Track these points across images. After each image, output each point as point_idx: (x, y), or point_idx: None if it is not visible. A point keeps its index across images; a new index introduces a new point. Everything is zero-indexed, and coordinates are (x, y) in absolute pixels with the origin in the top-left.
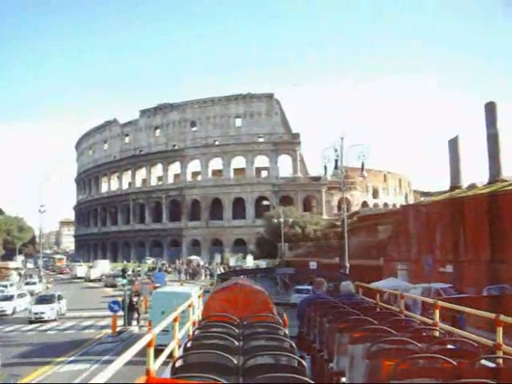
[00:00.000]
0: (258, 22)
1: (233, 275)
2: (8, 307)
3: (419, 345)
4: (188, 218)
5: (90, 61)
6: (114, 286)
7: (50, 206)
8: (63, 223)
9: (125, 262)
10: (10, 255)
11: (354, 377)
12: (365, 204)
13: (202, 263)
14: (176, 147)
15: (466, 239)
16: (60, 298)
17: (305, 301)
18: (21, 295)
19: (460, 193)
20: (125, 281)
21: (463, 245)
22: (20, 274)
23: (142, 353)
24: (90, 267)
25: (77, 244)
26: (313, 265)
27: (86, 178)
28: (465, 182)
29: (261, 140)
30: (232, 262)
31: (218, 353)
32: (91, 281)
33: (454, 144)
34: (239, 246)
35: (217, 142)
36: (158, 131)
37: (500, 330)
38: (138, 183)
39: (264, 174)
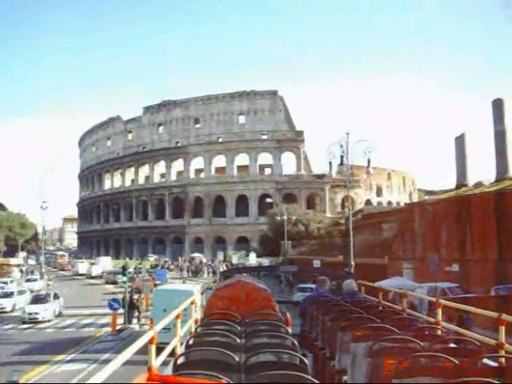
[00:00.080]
0: (260, 19)
1: (235, 273)
2: (7, 304)
3: (421, 343)
4: (191, 216)
5: (93, 58)
6: (114, 282)
7: (53, 203)
8: (66, 220)
9: (127, 259)
10: (12, 252)
11: (355, 375)
12: (368, 202)
13: (204, 261)
14: (179, 144)
15: (473, 238)
16: (56, 296)
17: (307, 299)
18: (21, 292)
19: (466, 191)
20: (125, 278)
21: (470, 243)
22: (22, 271)
23: (143, 351)
24: (92, 264)
25: (80, 241)
26: (316, 263)
27: (89, 175)
28: (469, 181)
29: (264, 137)
30: (235, 259)
31: (220, 350)
32: (92, 278)
33: (460, 142)
34: (242, 243)
35: (220, 139)
36: (161, 128)
37: (502, 329)
38: (141, 180)
39: (267, 171)
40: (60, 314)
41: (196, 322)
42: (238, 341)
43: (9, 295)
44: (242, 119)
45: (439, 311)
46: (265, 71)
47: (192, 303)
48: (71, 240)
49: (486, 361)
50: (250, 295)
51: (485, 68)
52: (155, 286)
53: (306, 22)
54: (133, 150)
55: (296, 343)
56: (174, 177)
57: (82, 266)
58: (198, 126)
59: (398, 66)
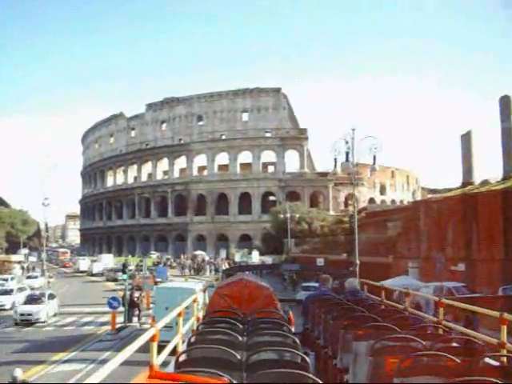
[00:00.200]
0: (264, 18)
1: (238, 271)
2: (7, 301)
3: (423, 342)
4: (194, 213)
5: (97, 55)
6: (115, 280)
7: (56, 200)
8: (69, 217)
9: (129, 257)
10: (14, 248)
11: (357, 373)
12: (372, 200)
13: (207, 258)
14: (182, 141)
15: (479, 237)
16: (52, 296)
17: (309, 297)
18: (21, 289)
19: (473, 189)
20: (125, 276)
21: (476, 242)
22: (23, 268)
23: (145, 349)
24: (94, 261)
25: (82, 238)
26: (320, 261)
27: (92, 172)
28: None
29: (268, 135)
30: (237, 257)
31: (222, 348)
32: (93, 275)
33: (466, 139)
34: (245, 241)
35: (223, 137)
36: (164, 125)
37: (504, 328)
38: (144, 177)
39: (271, 169)
40: (55, 315)
41: (198, 319)
42: (240, 339)
43: (8, 292)
44: (245, 116)
45: (441, 310)
46: (269, 69)
47: (194, 301)
48: (74, 237)
49: (487, 360)
50: (252, 293)
51: (485, 67)
52: (155, 283)
53: (310, 21)
54: (136, 147)
55: (298, 341)
56: (176, 174)
57: (83, 263)
58: (201, 123)
59: (399, 66)
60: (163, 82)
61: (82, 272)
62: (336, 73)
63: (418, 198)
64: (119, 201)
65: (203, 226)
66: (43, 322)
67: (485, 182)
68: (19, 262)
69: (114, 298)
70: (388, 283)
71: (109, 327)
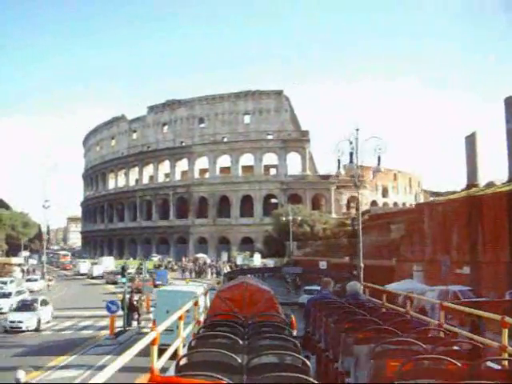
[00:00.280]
0: (264, 20)
1: (239, 274)
2: (5, 305)
3: (424, 346)
4: (195, 216)
5: (98, 57)
6: (115, 282)
7: (57, 203)
8: (71, 219)
9: (131, 259)
10: (15, 251)
11: (358, 377)
12: (374, 203)
13: (208, 261)
14: (184, 144)
15: (485, 239)
16: (44, 303)
17: (311, 301)
18: (19, 292)
19: (478, 191)
20: (124, 279)
21: (481, 245)
22: (23, 271)
23: (145, 353)
24: (94, 264)
25: (83, 240)
26: (323, 264)
27: (93, 175)
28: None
29: (269, 137)
30: (239, 260)
31: (223, 351)
32: (94, 278)
33: (471, 141)
34: (246, 244)
35: (225, 139)
36: (165, 127)
37: (505, 331)
38: (146, 180)
39: (272, 171)
40: (48, 322)
41: (199, 323)
42: (241, 342)
43: (6, 296)
44: (247, 119)
45: (442, 314)
46: (269, 71)
47: (195, 304)
48: (75, 240)
49: (488, 363)
50: (253, 297)
51: (485, 69)
52: (155, 286)
53: (310, 23)
54: (137, 149)
55: (298, 345)
56: (178, 177)
57: (84, 266)
58: (202, 125)
59: (399, 67)
60: (164, 84)
61: (82, 275)
62: (337, 74)
63: (421, 200)
64: (121, 203)
65: (205, 229)
66: (35, 331)
67: (490, 184)
68: (19, 265)
69: (112, 302)
70: (392, 287)
71: (108, 331)
